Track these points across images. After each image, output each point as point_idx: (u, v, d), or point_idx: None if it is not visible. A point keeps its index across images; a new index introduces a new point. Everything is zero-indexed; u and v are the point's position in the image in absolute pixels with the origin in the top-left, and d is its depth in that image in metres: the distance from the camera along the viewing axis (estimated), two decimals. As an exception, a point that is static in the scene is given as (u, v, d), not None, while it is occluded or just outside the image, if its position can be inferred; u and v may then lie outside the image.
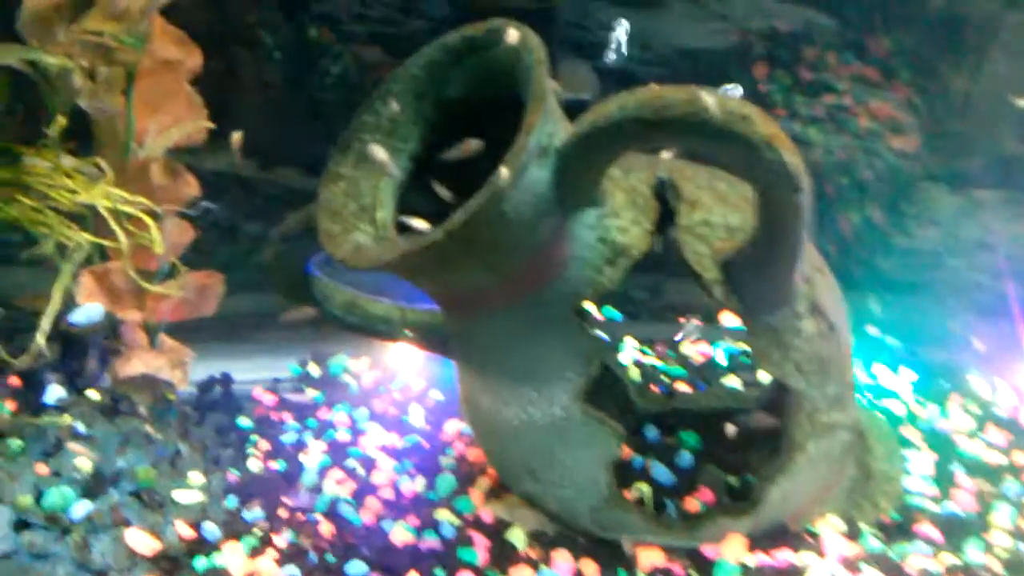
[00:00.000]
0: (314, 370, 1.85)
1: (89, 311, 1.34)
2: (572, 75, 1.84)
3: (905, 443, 1.55)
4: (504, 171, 1.04)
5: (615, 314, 2.00)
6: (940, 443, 1.57)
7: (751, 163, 1.01)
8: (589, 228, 1.15)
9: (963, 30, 2.15)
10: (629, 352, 1.89)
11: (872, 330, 1.90)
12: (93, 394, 1.34)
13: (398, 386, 1.76)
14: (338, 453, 1.53)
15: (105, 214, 1.35)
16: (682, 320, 2.07)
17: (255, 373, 1.84)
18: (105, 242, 1.39)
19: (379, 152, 1.17)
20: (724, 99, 0.99)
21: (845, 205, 2.22)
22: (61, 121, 1.33)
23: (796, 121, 2.25)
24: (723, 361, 1.85)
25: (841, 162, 2.21)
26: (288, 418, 1.66)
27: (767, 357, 1.18)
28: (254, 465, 1.50)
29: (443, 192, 1.10)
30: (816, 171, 2.21)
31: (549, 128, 1.09)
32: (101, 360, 1.40)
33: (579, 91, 1.77)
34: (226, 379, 1.78)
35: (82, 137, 1.50)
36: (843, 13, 2.13)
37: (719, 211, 1.23)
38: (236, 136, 1.26)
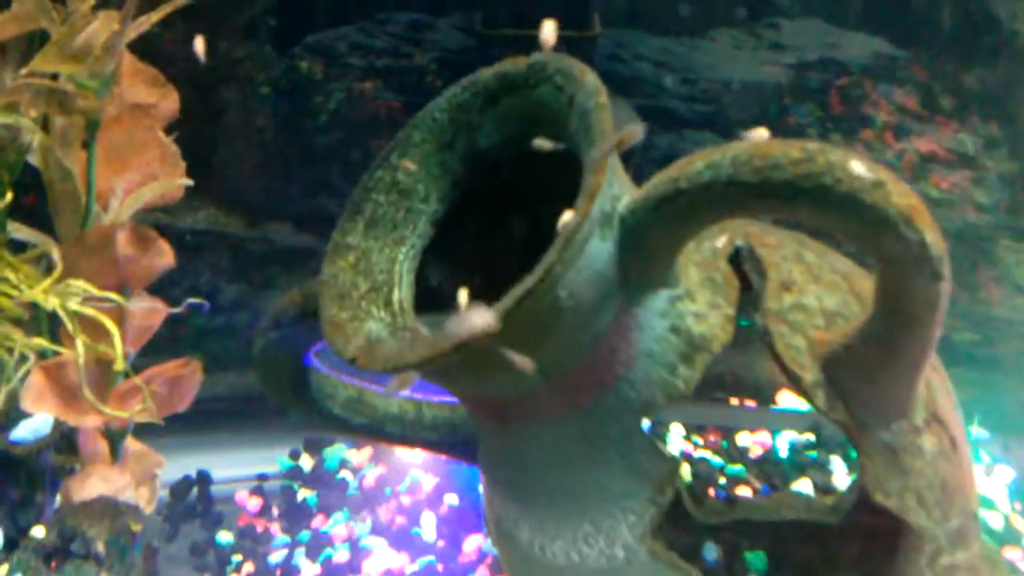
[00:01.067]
0: (307, 463, 1.66)
1: (36, 425, 1.14)
2: (614, 117, 1.66)
3: (1015, 572, 1.35)
4: (561, 245, 0.85)
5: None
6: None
7: (881, 242, 0.82)
8: (660, 316, 0.96)
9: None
10: (675, 441, 1.69)
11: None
12: (39, 531, 1.13)
13: (406, 486, 1.56)
14: (337, 581, 1.32)
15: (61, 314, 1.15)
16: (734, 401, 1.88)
17: (238, 468, 1.67)
18: (58, 347, 1.19)
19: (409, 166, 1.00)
20: (849, 159, 0.80)
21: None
22: (7, 197, 1.14)
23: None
24: (784, 453, 1.65)
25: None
26: (276, 530, 1.46)
27: (883, 486, 0.98)
28: (236, 599, 1.29)
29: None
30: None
31: (615, 190, 0.91)
32: (51, 484, 1.19)
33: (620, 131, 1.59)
34: (203, 479, 1.58)
35: (43, 193, 1.32)
36: (914, 42, 1.97)
37: (813, 291, 1.05)
38: (199, 40, 1.06)
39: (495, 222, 1.15)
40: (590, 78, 0.95)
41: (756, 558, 1.29)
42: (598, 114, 0.91)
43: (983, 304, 1.97)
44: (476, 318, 0.82)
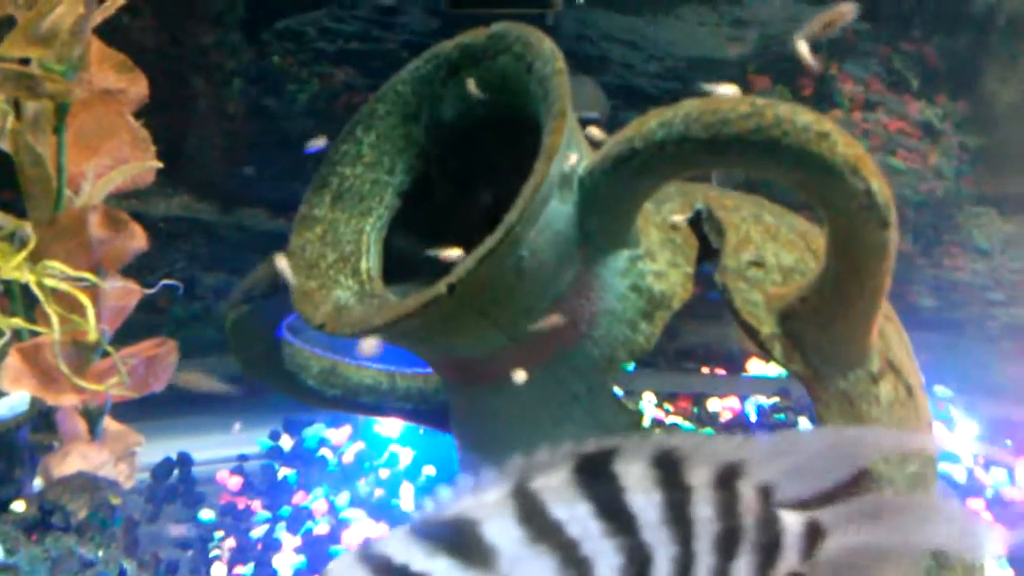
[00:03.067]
0: (287, 443, 1.67)
1: (13, 402, 1.14)
2: (577, 91, 1.68)
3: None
4: (521, 206, 0.87)
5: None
6: (1010, 515, 1.40)
7: (828, 192, 0.84)
8: (620, 275, 0.98)
9: (1012, 33, 2.01)
10: (648, 410, 1.72)
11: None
12: (19, 506, 1.13)
13: (384, 460, 1.57)
14: (317, 552, 1.34)
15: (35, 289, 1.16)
16: (705, 370, 1.90)
17: (219, 449, 1.68)
18: (34, 326, 1.20)
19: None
20: (796, 111, 0.82)
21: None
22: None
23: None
24: (753, 418, 1.68)
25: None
26: (257, 506, 1.47)
27: (844, 429, 1.00)
28: (219, 572, 1.30)
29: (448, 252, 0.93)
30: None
31: (573, 153, 0.92)
32: (30, 461, 1.20)
33: (586, 108, 1.61)
34: (185, 460, 1.59)
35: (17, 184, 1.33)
36: (877, 16, 1.99)
37: (771, 249, 1.07)
38: None
39: (465, 192, 1.17)
40: (547, 45, 0.96)
41: None
42: (555, 79, 0.93)
43: (947, 270, 2.00)
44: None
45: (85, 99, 1.30)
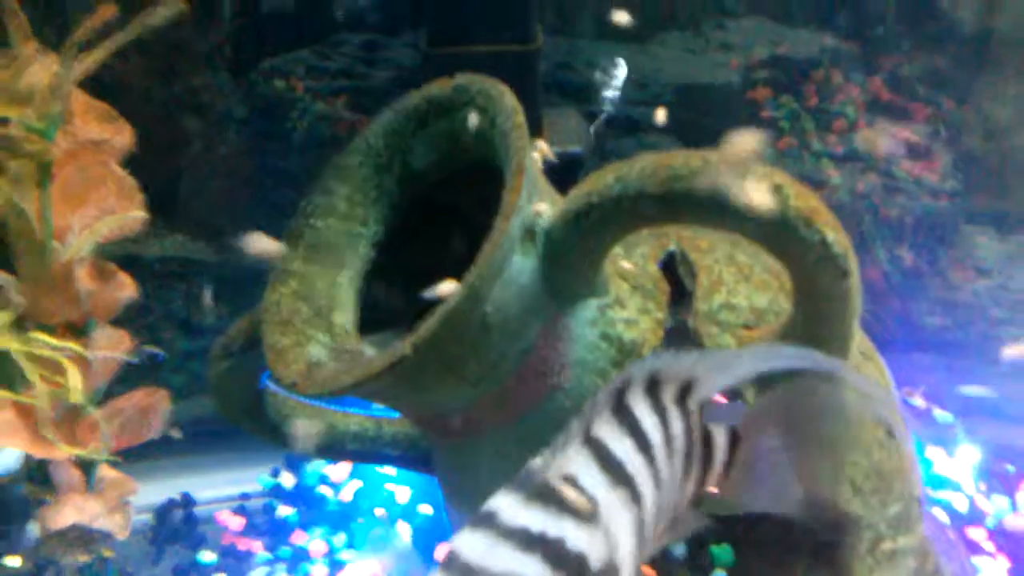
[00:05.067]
0: (287, 480, 1.69)
1: (5, 459, 1.17)
2: (560, 125, 1.69)
3: (972, 549, 1.37)
4: (482, 264, 0.89)
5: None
6: (1013, 545, 1.39)
7: (783, 245, 0.85)
8: (590, 325, 0.99)
9: (998, 50, 2.01)
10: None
11: (916, 400, 1.72)
12: (14, 561, 1.16)
13: (381, 498, 1.59)
14: (310, 596, 1.36)
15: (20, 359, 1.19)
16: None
17: (221, 488, 1.71)
18: (20, 398, 1.23)
19: None
20: (748, 166, 0.83)
21: (871, 250, 2.06)
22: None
23: (804, 151, 2.12)
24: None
25: (864, 199, 2.07)
26: (258, 547, 1.49)
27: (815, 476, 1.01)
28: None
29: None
30: (838, 212, 2.07)
31: (538, 203, 0.94)
32: (24, 514, 1.23)
33: (569, 143, 1.62)
34: (187, 501, 1.62)
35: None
36: (865, 36, 1.99)
37: (743, 291, 1.07)
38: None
39: (439, 242, 1.18)
40: (507, 99, 0.98)
41: (723, 551, 1.31)
42: (513, 134, 0.94)
43: (951, 289, 1.99)
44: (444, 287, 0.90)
45: (70, 151, 1.33)
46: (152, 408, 1.34)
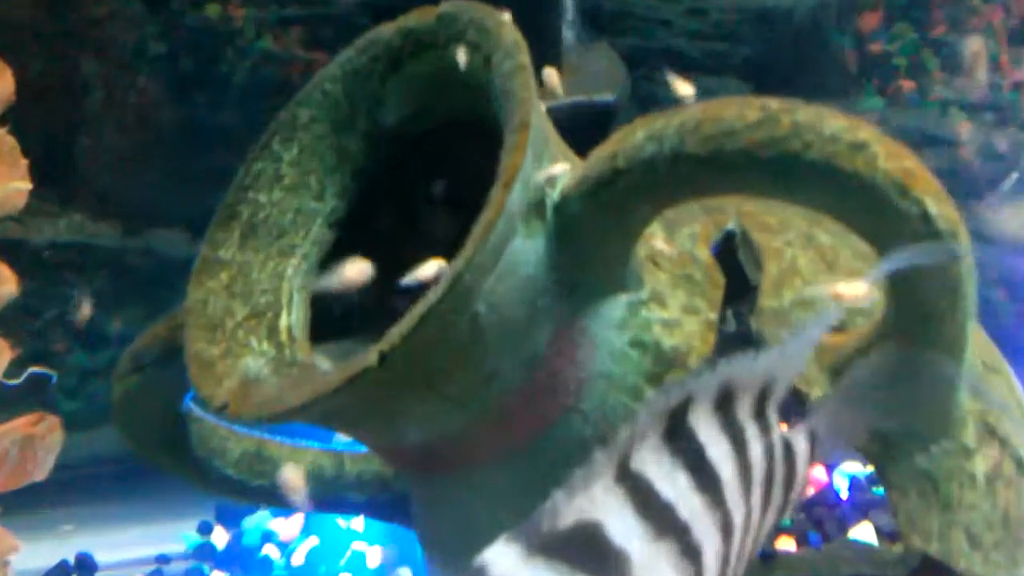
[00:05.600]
0: (220, 538, 1.73)
1: None
2: (586, 64, 1.71)
3: None
4: (472, 248, 0.91)
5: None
6: None
7: (872, 220, 0.88)
8: (617, 328, 1.02)
9: None
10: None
11: None
12: None
13: (345, 561, 1.62)
14: None
15: None
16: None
17: (131, 548, 1.73)
18: None
19: None
20: (822, 116, 0.85)
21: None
22: None
23: (929, 96, 2.13)
24: (844, 493, 1.70)
25: (1010, 163, 2.09)
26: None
27: (919, 526, 1.04)
28: None
29: None
30: (967, 181, 2.08)
31: (543, 173, 0.96)
32: None
33: (598, 90, 1.64)
34: (85, 565, 1.65)
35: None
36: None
37: (824, 282, 1.10)
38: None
39: (421, 220, 1.21)
40: (507, 33, 1.00)
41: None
42: (517, 78, 0.96)
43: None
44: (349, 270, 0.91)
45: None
46: (38, 441, 1.36)
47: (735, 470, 0.71)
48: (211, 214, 1.15)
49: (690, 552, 0.66)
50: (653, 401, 0.68)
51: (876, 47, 2.12)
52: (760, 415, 0.75)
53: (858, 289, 0.86)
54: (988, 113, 2.09)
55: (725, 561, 0.70)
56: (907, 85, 2.13)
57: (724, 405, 0.72)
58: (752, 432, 0.74)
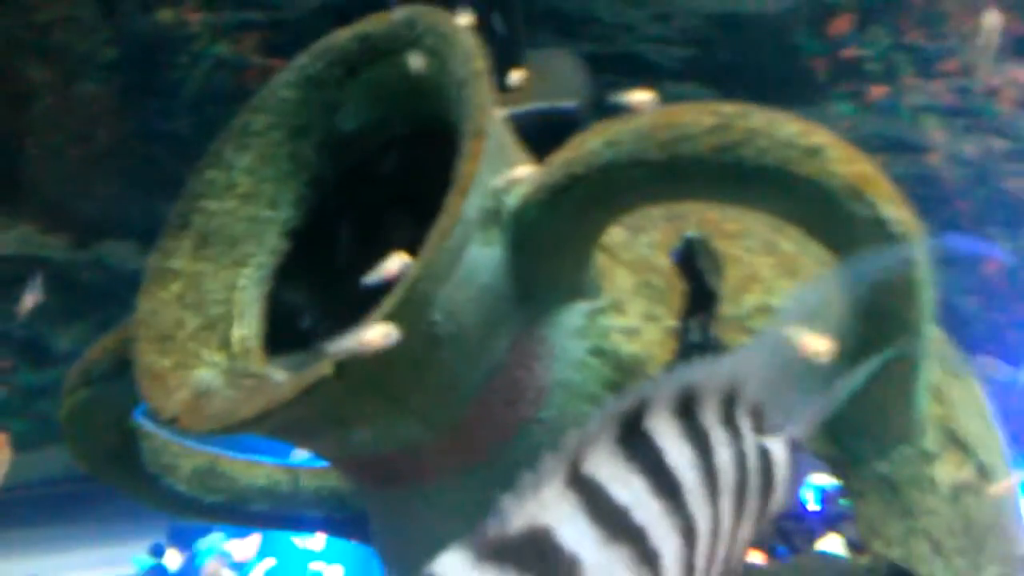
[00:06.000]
0: (173, 560, 1.74)
1: None
2: (550, 72, 1.74)
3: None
4: (428, 256, 0.94)
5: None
6: None
7: (829, 223, 0.91)
8: (576, 336, 1.05)
9: None
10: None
11: (993, 369, 1.80)
12: None
13: (304, 582, 1.65)
14: None
15: None
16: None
17: (80, 571, 1.74)
18: None
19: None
20: (776, 121, 0.89)
21: (987, 235, 2.12)
22: None
23: (902, 101, 2.17)
24: (814, 506, 1.73)
25: (978, 168, 2.12)
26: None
27: (880, 529, 1.07)
28: None
29: None
30: (939, 184, 2.12)
31: (498, 181, 0.99)
32: None
33: (560, 95, 1.67)
34: (32, 587, 1.67)
35: None
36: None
37: (784, 289, 1.13)
38: None
39: (378, 229, 1.23)
40: (464, 39, 1.03)
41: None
42: (473, 85, 0.99)
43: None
44: (372, 333, 0.92)
45: None
46: (-13, 457, 1.38)
47: (699, 476, 0.72)
48: (164, 225, 1.18)
49: (647, 557, 0.67)
50: (606, 405, 0.68)
51: (848, 52, 2.15)
52: (729, 421, 0.76)
53: (823, 344, 0.87)
54: (959, 119, 2.13)
55: (689, 567, 0.71)
56: (879, 91, 2.16)
57: (685, 410, 0.73)
58: (719, 438, 0.75)
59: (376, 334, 0.92)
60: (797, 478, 0.86)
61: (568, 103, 1.67)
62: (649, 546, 0.67)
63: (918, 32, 2.17)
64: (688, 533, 0.70)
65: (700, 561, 0.72)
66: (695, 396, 0.73)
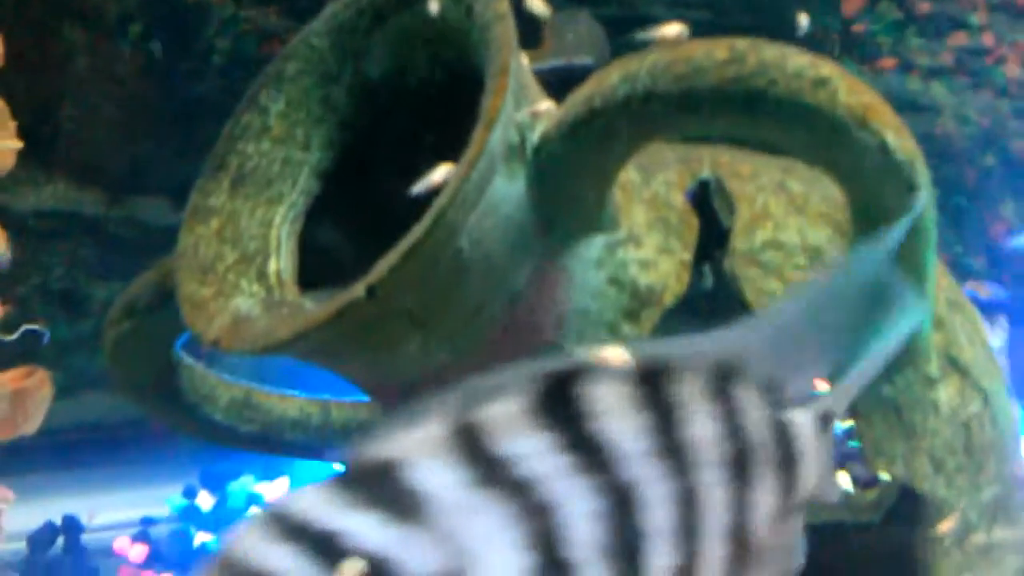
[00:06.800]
0: (205, 501, 1.78)
1: None
2: (566, 29, 1.77)
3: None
4: (455, 186, 0.98)
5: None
6: None
7: (834, 153, 0.94)
8: (595, 266, 1.08)
9: None
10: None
11: (983, 291, 1.83)
12: None
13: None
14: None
15: None
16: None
17: (116, 511, 1.78)
18: None
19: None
20: (786, 55, 0.92)
21: (992, 196, 2.15)
22: None
23: (912, 73, 2.18)
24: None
25: (984, 132, 2.14)
26: (166, 583, 1.58)
27: (884, 449, 1.10)
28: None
29: None
30: (947, 147, 2.14)
31: (521, 117, 1.03)
32: None
33: (576, 53, 1.70)
34: (72, 525, 1.70)
35: None
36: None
37: (794, 225, 1.17)
38: None
39: (407, 170, 1.27)
40: (486, -17, 1.06)
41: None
42: (497, 26, 1.03)
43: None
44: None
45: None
46: (29, 394, 1.42)
47: (650, 447, 0.63)
48: (190, 183, 1.21)
49: (533, 510, 0.59)
50: (526, 366, 0.60)
51: (859, 27, 2.17)
52: (722, 394, 0.68)
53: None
54: (963, 80, 2.15)
55: (624, 530, 0.62)
56: (889, 63, 2.18)
57: (649, 381, 0.64)
58: (699, 411, 0.66)
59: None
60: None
61: (585, 60, 1.70)
62: (536, 498, 0.59)
63: (929, 4, 2.19)
64: (621, 497, 0.62)
65: (663, 531, 0.64)
66: (666, 369, 0.65)
